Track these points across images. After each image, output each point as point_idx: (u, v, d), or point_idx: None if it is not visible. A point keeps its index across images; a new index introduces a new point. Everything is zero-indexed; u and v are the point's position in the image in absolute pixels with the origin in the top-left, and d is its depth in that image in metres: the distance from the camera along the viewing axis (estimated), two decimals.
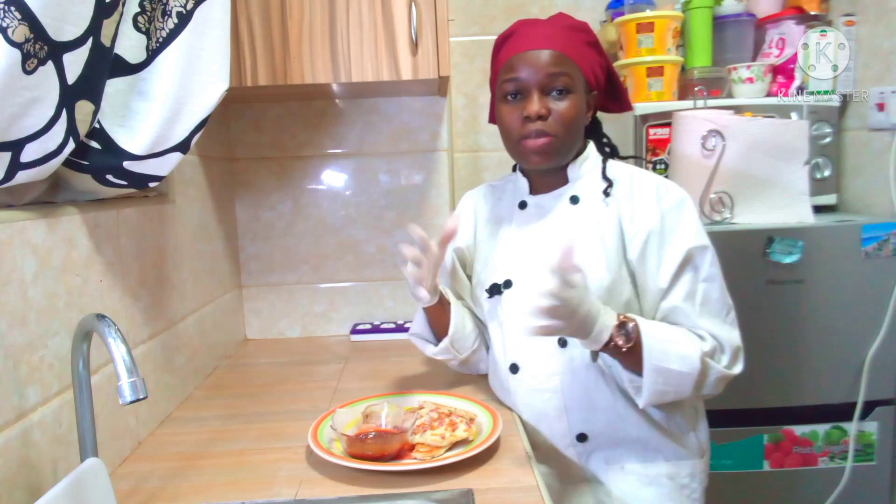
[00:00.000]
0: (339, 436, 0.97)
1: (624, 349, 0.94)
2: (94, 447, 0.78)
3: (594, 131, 1.16)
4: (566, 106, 1.02)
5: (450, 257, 1.23)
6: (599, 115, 1.16)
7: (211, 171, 1.53)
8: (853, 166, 1.80)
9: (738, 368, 1.01)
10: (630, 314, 0.98)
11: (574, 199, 1.09)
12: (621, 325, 0.95)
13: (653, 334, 0.96)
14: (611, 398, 1.04)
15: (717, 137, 1.56)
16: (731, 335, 1.01)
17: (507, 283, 1.11)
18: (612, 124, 1.20)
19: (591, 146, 1.13)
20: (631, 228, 1.03)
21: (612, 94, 1.16)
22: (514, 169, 1.19)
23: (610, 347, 0.95)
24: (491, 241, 1.18)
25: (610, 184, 1.07)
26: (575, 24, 1.07)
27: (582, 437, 1.06)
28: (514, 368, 1.10)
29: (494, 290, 1.12)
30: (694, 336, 0.99)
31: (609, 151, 1.16)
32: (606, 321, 0.94)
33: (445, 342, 1.18)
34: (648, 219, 1.02)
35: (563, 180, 1.11)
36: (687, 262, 1.00)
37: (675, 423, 1.07)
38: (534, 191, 1.14)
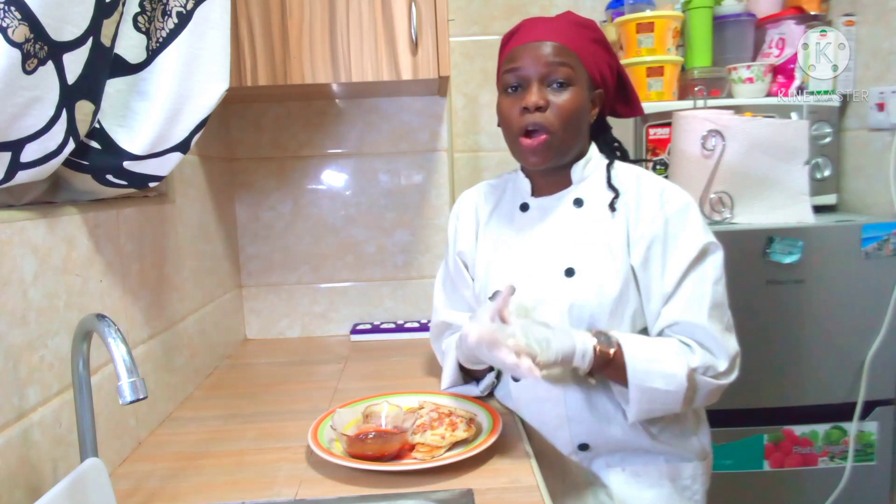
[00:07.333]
0: (339, 436, 0.97)
1: (611, 354, 0.94)
2: (94, 447, 0.79)
3: (601, 134, 1.14)
4: (566, 99, 1.00)
5: (453, 261, 1.21)
6: (609, 120, 1.14)
7: (211, 171, 1.53)
8: (853, 166, 1.80)
9: (733, 377, 1.00)
10: (610, 331, 0.97)
11: (578, 202, 1.07)
12: (597, 335, 0.95)
13: (636, 354, 0.95)
14: (612, 409, 1.03)
15: (717, 137, 1.56)
16: (731, 342, 1.00)
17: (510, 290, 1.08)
18: (613, 124, 1.18)
19: (594, 147, 1.11)
20: (635, 233, 1.02)
21: (622, 97, 1.14)
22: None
23: (599, 362, 0.94)
24: (492, 245, 1.15)
25: (616, 194, 1.05)
26: (582, 21, 1.06)
27: (584, 447, 1.06)
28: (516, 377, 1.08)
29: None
30: (682, 349, 0.97)
31: (618, 155, 1.13)
32: (585, 343, 0.93)
33: (490, 377, 1.15)
34: (651, 224, 1.00)
35: (567, 182, 1.09)
36: (692, 268, 0.99)
37: (676, 430, 1.06)
38: (536, 192, 1.12)
